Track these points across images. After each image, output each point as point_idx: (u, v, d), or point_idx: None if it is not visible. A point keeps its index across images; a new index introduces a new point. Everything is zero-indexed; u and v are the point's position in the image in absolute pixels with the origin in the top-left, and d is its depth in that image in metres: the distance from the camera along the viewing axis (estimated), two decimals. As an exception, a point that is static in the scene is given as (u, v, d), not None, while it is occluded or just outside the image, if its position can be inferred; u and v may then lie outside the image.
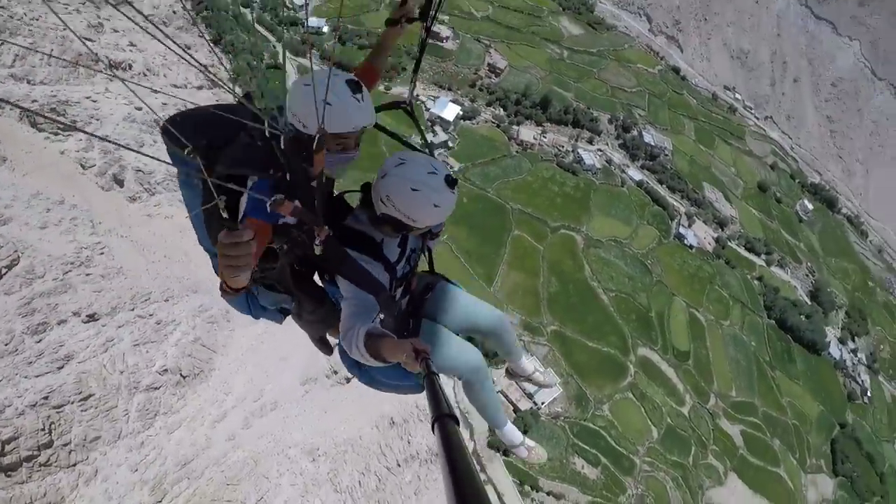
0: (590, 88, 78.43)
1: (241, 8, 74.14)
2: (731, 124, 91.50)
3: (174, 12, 64.74)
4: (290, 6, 75.04)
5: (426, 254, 3.85)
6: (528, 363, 4.54)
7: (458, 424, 1.45)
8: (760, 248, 72.38)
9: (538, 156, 66.17)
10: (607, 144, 73.01)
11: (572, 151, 68.63)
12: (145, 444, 24.93)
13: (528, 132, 68.07)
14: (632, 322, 55.21)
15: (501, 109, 69.94)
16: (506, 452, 39.67)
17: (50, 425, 23.07)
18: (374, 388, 3.74)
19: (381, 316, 3.05)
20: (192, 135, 2.55)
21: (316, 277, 3.37)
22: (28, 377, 23.56)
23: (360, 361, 2.70)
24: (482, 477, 36.35)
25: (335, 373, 30.09)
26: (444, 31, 75.21)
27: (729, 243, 70.55)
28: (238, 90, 2.08)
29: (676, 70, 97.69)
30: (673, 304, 59.18)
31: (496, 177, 61.64)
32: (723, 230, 71.71)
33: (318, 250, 2.63)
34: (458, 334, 3.75)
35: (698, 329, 58.98)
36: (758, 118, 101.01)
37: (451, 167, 59.85)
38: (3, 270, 24.67)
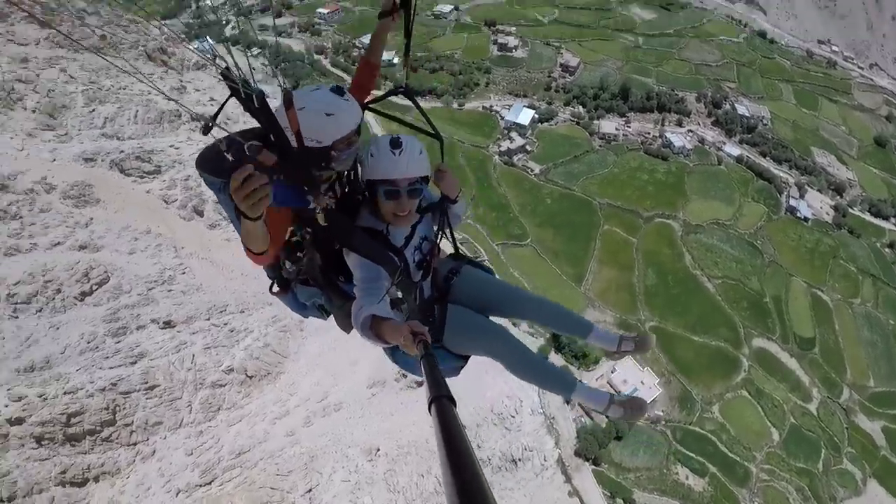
0: (671, 70, 75.04)
1: (315, 55, 78.27)
2: (833, 80, 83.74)
3: (253, 69, 70.10)
4: (360, 45, 77.99)
5: (448, 236, 3.88)
6: (604, 333, 3.93)
7: (454, 405, 1.47)
8: (888, 210, 64.71)
9: (623, 147, 63.53)
10: (698, 124, 69.05)
11: (660, 137, 65.35)
12: (204, 434, 26.87)
13: (609, 125, 65.73)
14: (743, 310, 50.10)
15: (580, 106, 68.08)
16: (595, 461, 36.75)
17: (115, 407, 25.72)
18: (409, 371, 3.80)
19: (398, 294, 3.24)
20: (220, 163, 2.79)
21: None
22: (102, 368, 26.96)
23: (362, 337, 2.83)
24: (567, 488, 34.78)
25: (404, 376, 30.65)
26: (511, 41, 75.39)
27: (850, 209, 63.79)
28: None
29: (763, 34, 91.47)
30: (791, 285, 53.47)
31: (580, 173, 59.65)
32: (841, 196, 65.18)
33: (321, 219, 2.88)
34: (487, 317, 3.74)
35: (823, 312, 52.66)
36: (861, 68, 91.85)
37: (532, 170, 59.90)
38: (94, 287, 29.02)
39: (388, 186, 3.13)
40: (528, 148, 62.10)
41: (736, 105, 70.93)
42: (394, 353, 3.65)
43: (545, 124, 65.95)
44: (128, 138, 39.83)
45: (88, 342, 28.24)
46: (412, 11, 3.53)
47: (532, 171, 59.87)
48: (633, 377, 42.29)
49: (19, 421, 24.49)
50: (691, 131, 67.54)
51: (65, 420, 24.96)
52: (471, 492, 1.02)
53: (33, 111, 45.30)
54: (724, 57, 79.44)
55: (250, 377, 29.28)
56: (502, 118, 66.04)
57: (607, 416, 3.81)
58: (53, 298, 29.66)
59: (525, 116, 65.38)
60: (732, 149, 66.09)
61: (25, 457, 24.01)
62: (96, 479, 24.72)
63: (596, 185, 58.35)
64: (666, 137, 65.02)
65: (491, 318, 3.76)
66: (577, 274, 50.37)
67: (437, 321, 3.63)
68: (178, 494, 24.27)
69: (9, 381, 26.10)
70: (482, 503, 1.02)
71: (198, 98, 49.75)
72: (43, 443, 24.62)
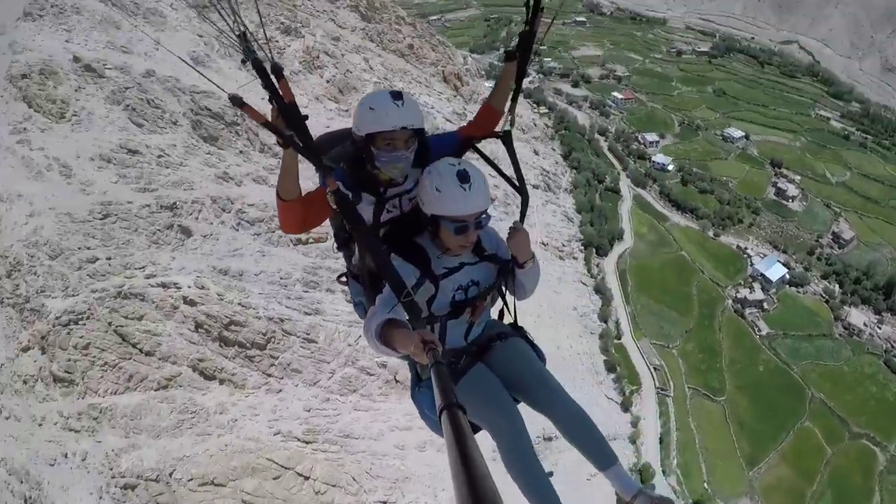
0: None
1: (597, 134, 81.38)
2: None
3: (535, 124, 76.21)
4: (641, 141, 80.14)
5: (504, 301, 3.89)
6: (624, 475, 3.25)
7: (465, 413, 1.45)
8: None
9: (864, 346, 57.41)
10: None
11: (913, 353, 58.81)
12: (329, 402, 28.90)
13: (860, 316, 60.07)
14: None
15: (837, 285, 63.11)
16: None
17: (270, 337, 28.79)
18: (430, 425, 3.65)
19: (404, 315, 3.00)
20: (324, 146, 3.54)
21: None
22: (280, 303, 30.51)
23: (373, 349, 2.88)
24: None
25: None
26: (792, 189, 72.02)
27: None
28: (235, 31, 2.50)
29: None
30: None
31: (806, 355, 55.32)
32: None
33: (330, 200, 2.94)
34: (514, 398, 3.51)
35: None
36: None
37: (759, 330, 56.96)
38: (311, 240, 34.13)
39: (457, 224, 3.12)
40: (765, 305, 59.15)
41: None
42: (416, 395, 3.65)
43: (792, 288, 62.23)
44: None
45: (281, 278, 32.25)
46: (529, 57, 3.62)
47: (759, 330, 56.93)
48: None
49: (192, 303, 27.52)
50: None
51: (226, 322, 27.85)
52: (483, 500, 0.98)
53: (327, 81, 51.48)
54: None
55: (397, 381, 31.14)
56: (752, 265, 63.46)
57: None
58: (273, 231, 34.41)
59: (776, 272, 62.11)
60: None
61: (180, 332, 27.04)
62: (221, 382, 27.27)
63: (817, 375, 53.85)
64: (920, 356, 58.05)
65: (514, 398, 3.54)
66: (752, 456, 46.99)
67: (458, 371, 3.52)
68: (276, 434, 25.70)
69: (202, 272, 29.38)
70: None
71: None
72: (199, 330, 27.56)
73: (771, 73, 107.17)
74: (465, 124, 3.95)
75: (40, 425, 24.07)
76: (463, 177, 3.03)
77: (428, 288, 3.26)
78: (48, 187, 29.55)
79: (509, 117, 3.79)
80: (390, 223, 3.51)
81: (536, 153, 69.97)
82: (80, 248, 27.52)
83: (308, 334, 30.16)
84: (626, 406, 45.29)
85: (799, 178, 75.44)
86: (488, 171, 3.69)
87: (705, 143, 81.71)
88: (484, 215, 3.17)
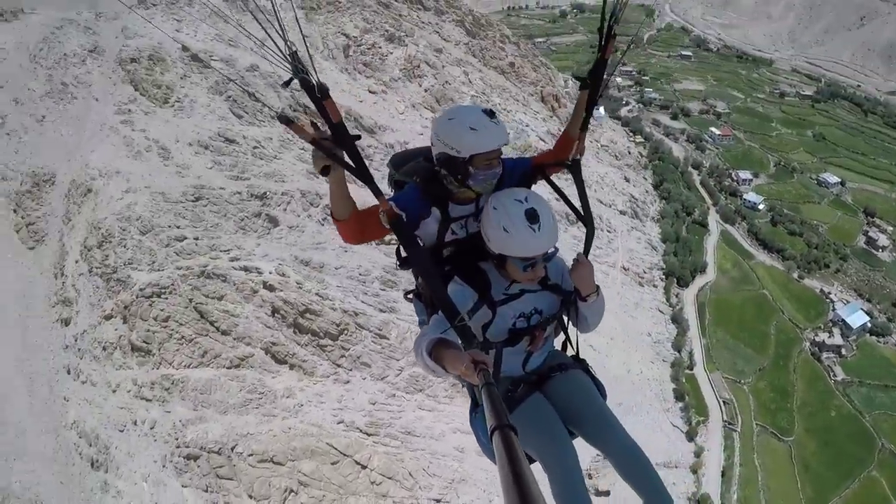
0: None
1: (691, 167, 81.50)
2: None
3: (629, 152, 77.66)
4: (735, 178, 79.86)
5: (566, 333, 3.85)
6: None
7: (517, 435, 1.43)
8: None
9: None
10: None
11: None
12: (395, 398, 29.43)
13: None
14: None
15: None
16: None
17: (344, 329, 29.37)
18: (485, 451, 3.27)
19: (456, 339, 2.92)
20: (400, 161, 3.88)
21: None
22: (356, 297, 31.23)
23: (422, 368, 2.83)
24: None
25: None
26: (883, 239, 69.97)
27: None
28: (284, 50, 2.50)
29: None
30: None
31: (881, 405, 53.88)
32: None
33: (383, 220, 2.99)
34: (570, 430, 3.44)
35: None
36: None
37: (835, 375, 55.82)
38: (393, 242, 36.67)
39: (526, 262, 3.09)
40: (843, 352, 57.97)
41: None
42: (474, 421, 3.53)
43: (874, 338, 60.48)
44: (483, 148, 44.68)
45: (360, 274, 32.69)
46: (601, 85, 3.57)
47: (835, 375, 55.85)
48: None
49: (271, 288, 28.23)
50: None
51: (302, 310, 28.32)
52: None
53: (426, 90, 51.88)
54: None
55: (463, 386, 31.01)
56: (833, 309, 62.23)
57: None
58: None
59: (857, 319, 60.61)
60: None
61: (257, 315, 27.58)
62: (291, 367, 27.64)
63: (889, 427, 52.27)
64: None
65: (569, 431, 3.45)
66: (815, 500, 46.36)
67: (514, 399, 3.48)
68: (339, 422, 26.00)
69: (284, 260, 30.07)
70: None
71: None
72: (276, 315, 28.12)
73: (874, 122, 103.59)
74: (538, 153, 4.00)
75: (114, 391, 25.00)
76: (532, 217, 2.98)
77: (485, 313, 3.26)
78: (146, 167, 31.33)
79: (578, 146, 3.69)
80: (456, 244, 3.51)
81: (627, 180, 70.39)
82: (169, 227, 28.96)
83: (380, 330, 30.80)
84: (690, 436, 45.29)
85: (892, 229, 73.22)
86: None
87: (799, 185, 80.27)
88: (552, 249, 3.13)
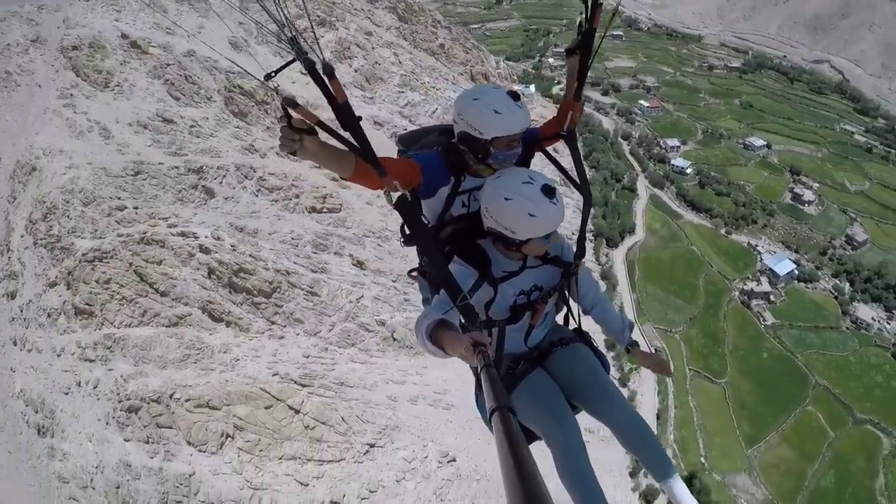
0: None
1: (620, 138, 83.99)
2: None
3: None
4: (663, 146, 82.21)
5: (568, 306, 3.81)
6: (680, 489, 3.18)
7: (515, 416, 1.43)
8: None
9: (871, 339, 57.80)
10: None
11: (918, 350, 58.71)
12: (327, 352, 30.30)
13: (868, 312, 60.79)
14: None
15: (847, 284, 63.84)
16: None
17: (276, 287, 30.67)
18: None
19: (460, 319, 2.95)
20: (409, 140, 3.79)
21: None
22: (288, 259, 32.70)
23: (422, 349, 2.73)
24: None
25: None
26: (809, 195, 72.88)
27: None
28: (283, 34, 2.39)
29: None
30: None
31: (811, 345, 56.13)
32: None
33: (387, 200, 2.88)
34: (571, 403, 3.42)
35: None
36: None
37: (765, 320, 58.12)
38: (324, 209, 37.92)
39: (542, 240, 3.07)
40: (771, 298, 60.61)
41: None
42: (479, 402, 3.48)
43: (801, 284, 63.36)
44: (418, 125, 43.33)
45: (292, 238, 34.39)
46: (592, 54, 3.56)
47: (765, 320, 58.09)
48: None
49: (207, 251, 29.47)
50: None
51: (236, 269, 29.67)
52: (534, 500, 0.97)
53: (356, 70, 54.17)
54: None
55: (395, 340, 32.64)
56: (761, 260, 64.73)
57: None
58: (290, 199, 37.16)
59: (784, 267, 63.24)
60: None
61: (194, 277, 28.77)
62: (227, 324, 28.72)
63: (822, 364, 54.56)
64: (927, 350, 58.11)
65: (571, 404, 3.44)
66: (753, 436, 48.01)
67: (516, 375, 3.44)
68: (273, 375, 26.50)
69: (219, 226, 31.64)
70: None
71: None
72: (211, 276, 29.34)
73: (800, 89, 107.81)
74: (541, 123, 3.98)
75: (59, 356, 25.87)
76: (549, 192, 2.95)
77: (486, 291, 3.19)
78: (88, 146, 33.01)
79: (573, 116, 3.72)
80: (454, 223, 3.47)
81: (556, 151, 72.27)
82: (111, 198, 30.45)
83: (312, 288, 32.00)
84: (623, 381, 46.33)
85: (817, 185, 76.15)
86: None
87: (726, 150, 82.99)
88: None
